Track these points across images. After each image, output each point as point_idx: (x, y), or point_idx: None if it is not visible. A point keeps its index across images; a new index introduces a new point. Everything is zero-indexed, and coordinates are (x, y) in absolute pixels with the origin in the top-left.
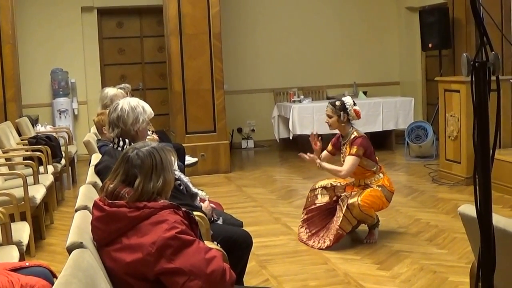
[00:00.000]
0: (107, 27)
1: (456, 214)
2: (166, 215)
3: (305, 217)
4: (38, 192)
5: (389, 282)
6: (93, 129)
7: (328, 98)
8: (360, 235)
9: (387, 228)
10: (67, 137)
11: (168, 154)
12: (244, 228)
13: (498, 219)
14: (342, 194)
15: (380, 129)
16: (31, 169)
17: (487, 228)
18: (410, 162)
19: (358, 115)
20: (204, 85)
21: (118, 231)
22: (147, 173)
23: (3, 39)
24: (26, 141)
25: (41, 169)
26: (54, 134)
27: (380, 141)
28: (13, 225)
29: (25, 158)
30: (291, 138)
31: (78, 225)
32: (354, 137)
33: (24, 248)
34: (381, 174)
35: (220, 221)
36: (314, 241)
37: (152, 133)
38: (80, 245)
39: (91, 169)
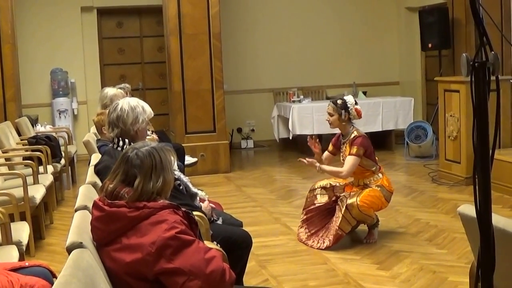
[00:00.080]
0: (106, 27)
1: (455, 214)
2: (165, 215)
3: (305, 217)
4: (37, 192)
5: (389, 282)
6: (93, 129)
7: (327, 98)
8: (359, 235)
9: (386, 228)
10: (66, 137)
11: (168, 154)
12: (244, 228)
13: (498, 219)
14: (341, 194)
15: (380, 129)
16: (30, 169)
17: (487, 228)
18: (409, 162)
19: (359, 115)
20: (204, 85)
21: (117, 231)
22: (147, 173)
23: (3, 39)
24: (26, 141)
25: (41, 169)
26: (53, 134)
27: (380, 141)
28: (12, 225)
29: (24, 158)
30: (290, 138)
31: (78, 225)
32: (354, 137)
33: (24, 248)
34: (380, 174)
35: (219, 221)
36: (313, 241)
37: (152, 133)
38: (79, 245)
39: (91, 169)
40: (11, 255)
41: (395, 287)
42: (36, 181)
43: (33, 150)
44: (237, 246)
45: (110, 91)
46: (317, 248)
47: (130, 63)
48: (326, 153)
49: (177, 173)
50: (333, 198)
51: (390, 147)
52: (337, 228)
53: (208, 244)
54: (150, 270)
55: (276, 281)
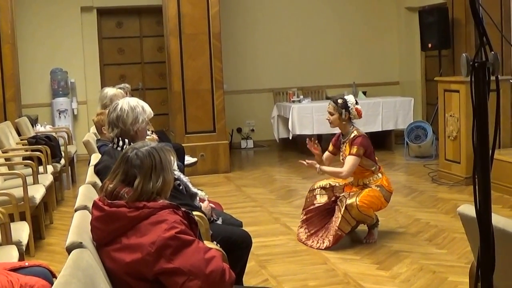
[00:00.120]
0: (106, 27)
1: (455, 214)
2: (165, 215)
3: (304, 217)
4: (37, 192)
5: (389, 282)
6: (93, 129)
7: (327, 98)
8: (359, 235)
9: (386, 228)
10: (66, 137)
11: (168, 154)
12: (244, 228)
13: (498, 219)
14: (341, 195)
15: (380, 129)
16: (30, 169)
17: (487, 228)
18: (409, 162)
19: (359, 114)
20: (204, 85)
21: (117, 231)
22: (147, 173)
23: (3, 38)
24: (26, 141)
25: (41, 169)
26: (53, 134)
27: (380, 141)
28: (12, 225)
29: (24, 158)
30: (290, 138)
31: (78, 225)
32: (354, 136)
33: (24, 248)
34: (379, 174)
35: (219, 221)
36: (313, 241)
37: (152, 133)
38: (79, 245)
39: (91, 169)
40: (11, 255)
41: (395, 287)
42: (36, 181)
43: (33, 150)
44: (237, 246)
45: (110, 91)
46: (316, 248)
47: (130, 63)
48: (326, 153)
49: (177, 173)
50: (333, 198)
51: (390, 147)
52: (336, 228)
53: (208, 244)
54: (150, 270)
55: (276, 281)
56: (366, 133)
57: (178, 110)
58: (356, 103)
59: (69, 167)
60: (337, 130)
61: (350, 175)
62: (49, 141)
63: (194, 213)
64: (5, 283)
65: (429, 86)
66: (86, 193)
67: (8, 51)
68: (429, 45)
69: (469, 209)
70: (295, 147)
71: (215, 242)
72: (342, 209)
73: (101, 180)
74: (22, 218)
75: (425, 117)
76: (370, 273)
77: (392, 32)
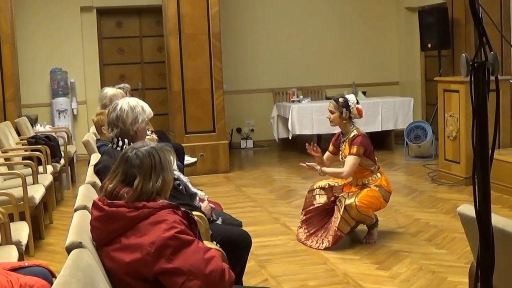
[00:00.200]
0: (106, 27)
1: (455, 214)
2: (165, 215)
3: (304, 217)
4: (37, 192)
5: (388, 282)
6: (92, 129)
7: (327, 98)
8: (359, 235)
9: (386, 228)
10: (66, 137)
11: (167, 154)
12: (243, 228)
13: (497, 219)
14: (340, 195)
15: (379, 129)
16: (30, 169)
17: (486, 228)
18: (409, 162)
19: (360, 114)
20: (204, 85)
21: (117, 231)
22: (146, 173)
23: (2, 38)
24: (25, 141)
25: (40, 169)
26: (53, 134)
27: (379, 141)
28: (12, 225)
29: (24, 158)
30: (290, 138)
31: (77, 225)
32: (354, 136)
33: (23, 248)
34: (378, 174)
35: (219, 221)
36: (312, 241)
37: (152, 133)
38: (79, 245)
39: (90, 169)
40: (11, 255)
41: (394, 287)
42: (35, 181)
43: (32, 150)
44: (236, 246)
45: (109, 91)
46: (316, 248)
47: (129, 63)
48: (327, 154)
49: (177, 173)
50: (332, 199)
51: (389, 147)
52: (336, 229)
53: (208, 244)
54: (150, 270)
55: (276, 281)
56: (366, 133)
57: (177, 110)
58: (357, 102)
59: (69, 167)
60: (337, 130)
61: (350, 175)
62: (48, 141)
63: (194, 213)
64: (4, 283)
65: (428, 86)
66: (85, 193)
67: (8, 51)
68: (429, 45)
69: (469, 209)
70: (295, 147)
71: (214, 242)
72: (341, 210)
73: (101, 180)
74: (22, 218)
75: (424, 117)
76: (370, 273)
77: (391, 32)
